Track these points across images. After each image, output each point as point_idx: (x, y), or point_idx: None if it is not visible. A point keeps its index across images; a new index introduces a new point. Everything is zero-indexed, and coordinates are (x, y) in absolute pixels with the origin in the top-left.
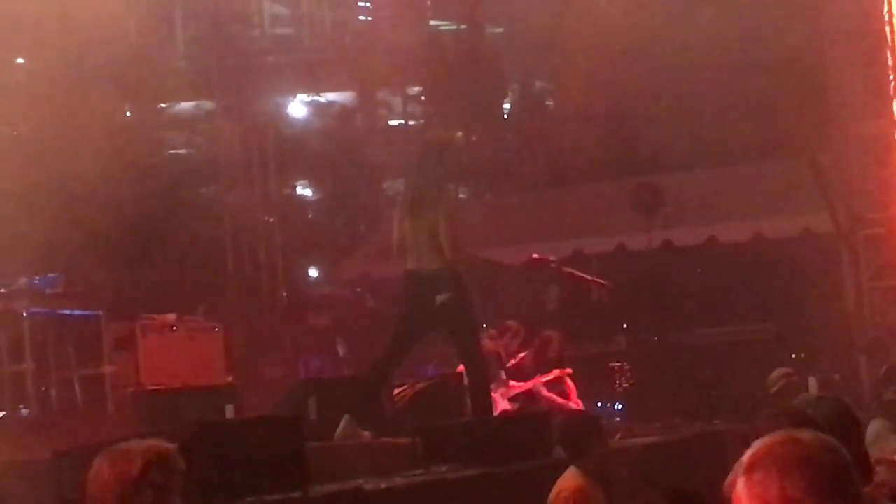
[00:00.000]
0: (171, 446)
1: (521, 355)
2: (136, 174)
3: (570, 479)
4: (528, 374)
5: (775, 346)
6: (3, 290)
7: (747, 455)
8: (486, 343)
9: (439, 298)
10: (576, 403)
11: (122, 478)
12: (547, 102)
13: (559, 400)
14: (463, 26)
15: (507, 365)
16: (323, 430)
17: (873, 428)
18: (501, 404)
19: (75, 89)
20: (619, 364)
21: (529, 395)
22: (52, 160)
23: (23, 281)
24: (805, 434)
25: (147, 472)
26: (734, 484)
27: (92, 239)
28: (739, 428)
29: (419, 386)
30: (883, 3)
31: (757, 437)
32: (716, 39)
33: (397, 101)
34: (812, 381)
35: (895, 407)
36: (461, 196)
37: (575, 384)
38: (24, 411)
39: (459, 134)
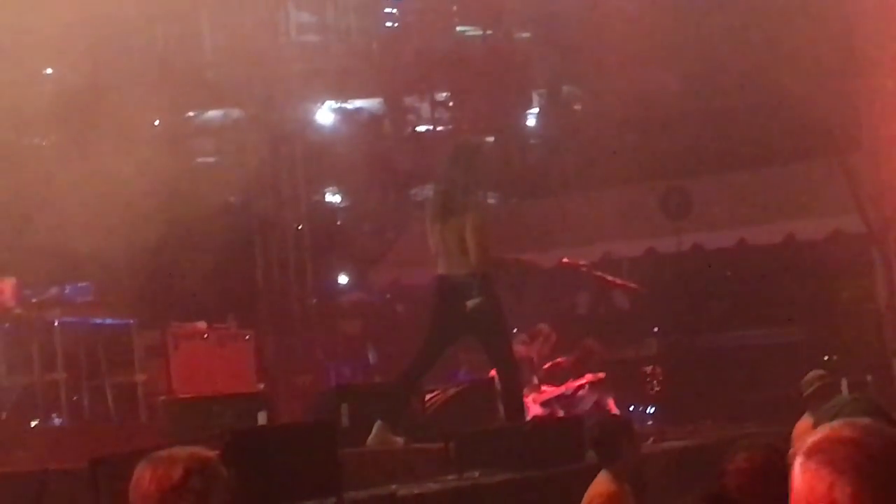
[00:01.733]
0: (214, 454)
1: (558, 360)
2: (165, 183)
3: (601, 484)
4: (562, 380)
5: (807, 348)
6: (34, 300)
7: (812, 438)
8: (518, 348)
9: (469, 304)
10: (612, 408)
11: (162, 484)
12: (575, 107)
13: (589, 407)
14: (489, 32)
15: (541, 369)
16: (355, 436)
17: None
18: (533, 409)
19: (103, 99)
20: (650, 368)
21: (562, 399)
22: (81, 170)
23: (54, 290)
24: (873, 437)
25: (188, 479)
26: (794, 458)
27: (122, 248)
28: (771, 431)
29: (451, 391)
30: None
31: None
32: (746, 41)
33: (425, 107)
34: (843, 383)
35: None
36: (490, 201)
37: (606, 388)
38: (57, 420)
39: (489, 139)
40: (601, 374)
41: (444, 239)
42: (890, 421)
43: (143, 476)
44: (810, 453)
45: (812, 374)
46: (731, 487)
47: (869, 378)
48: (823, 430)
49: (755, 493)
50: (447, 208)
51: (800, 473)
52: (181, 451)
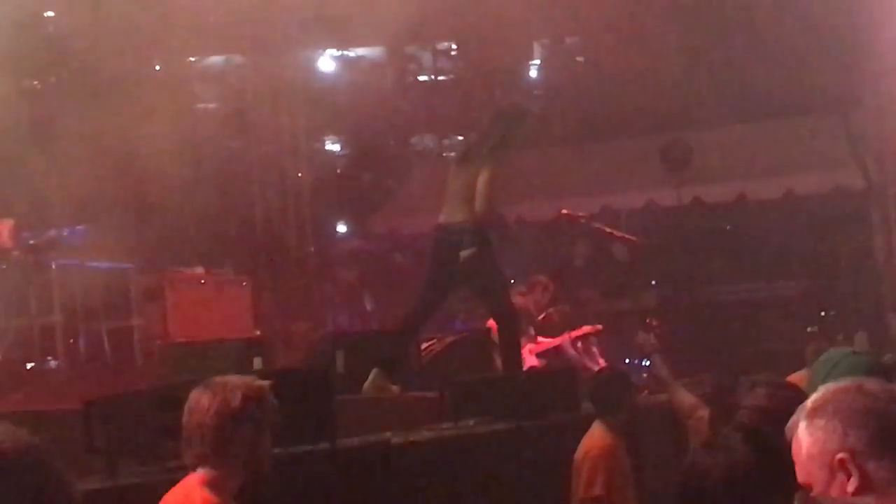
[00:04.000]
0: (266, 383)
1: (549, 312)
2: (165, 128)
3: (596, 436)
4: (559, 331)
5: (805, 303)
6: (31, 242)
7: (811, 399)
8: (516, 299)
9: (462, 253)
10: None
11: (222, 409)
12: (577, 58)
13: (584, 360)
14: None
15: (538, 319)
16: (351, 383)
17: None
18: (530, 360)
19: (103, 43)
20: (647, 320)
21: (558, 350)
22: (80, 114)
23: (52, 233)
24: (871, 384)
25: (247, 405)
26: (796, 426)
27: (120, 192)
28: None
29: (447, 340)
30: None
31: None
32: None
33: (427, 57)
34: (861, 336)
35: None
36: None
37: (603, 340)
38: (53, 363)
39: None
40: (598, 326)
41: (454, 186)
42: (888, 378)
43: (201, 401)
44: (815, 411)
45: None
46: (749, 425)
47: (861, 334)
48: (818, 392)
49: (775, 432)
50: (468, 156)
51: (807, 435)
52: (238, 379)
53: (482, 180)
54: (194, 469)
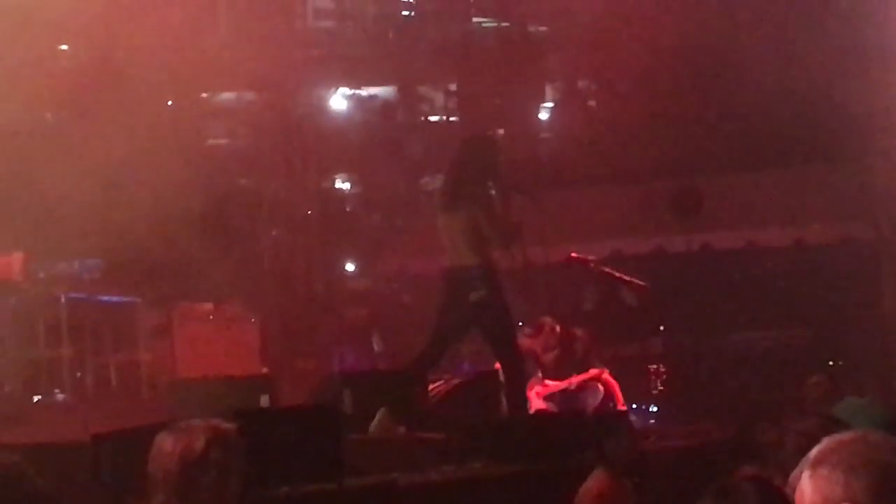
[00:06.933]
0: (233, 426)
1: (555, 352)
2: (176, 163)
3: (596, 480)
4: (557, 373)
5: (812, 352)
6: (41, 275)
7: (815, 450)
8: (523, 341)
9: (473, 296)
10: (620, 403)
11: (185, 455)
12: (589, 102)
13: (590, 403)
14: (505, 24)
15: (545, 363)
16: (358, 423)
17: None
18: (536, 403)
19: (118, 76)
20: (654, 366)
21: (565, 394)
22: (93, 146)
23: (61, 265)
24: (873, 435)
25: (210, 450)
26: (798, 478)
27: (131, 225)
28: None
29: (454, 382)
30: None
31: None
32: (762, 41)
33: (438, 97)
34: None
35: None
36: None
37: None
38: (60, 396)
39: (500, 132)
40: (605, 370)
41: (449, 230)
42: None
43: (164, 446)
44: (819, 460)
45: (813, 379)
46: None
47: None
48: (822, 443)
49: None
50: (454, 199)
51: (810, 485)
52: (201, 423)
53: (485, 218)
54: None
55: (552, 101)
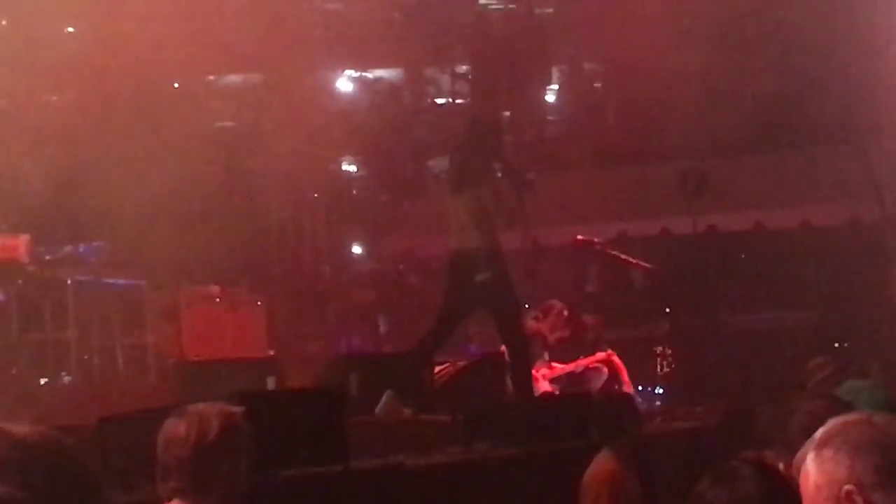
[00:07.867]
0: (241, 409)
1: (562, 336)
2: (183, 145)
3: (602, 463)
4: (564, 356)
5: (819, 334)
6: (48, 258)
7: (820, 432)
8: (530, 324)
9: (479, 277)
10: (627, 384)
11: (200, 441)
12: (595, 84)
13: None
14: (512, 6)
15: (552, 345)
16: (364, 405)
17: None
18: (543, 385)
19: (123, 59)
20: (660, 348)
21: (571, 376)
22: (98, 129)
23: (68, 249)
24: (879, 416)
25: (224, 435)
26: (803, 459)
27: (137, 208)
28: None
29: (461, 364)
30: None
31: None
32: (768, 23)
33: (445, 79)
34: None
35: None
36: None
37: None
38: (66, 378)
39: (506, 114)
40: (610, 352)
41: (455, 212)
42: None
43: (177, 432)
44: (823, 443)
45: (815, 360)
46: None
47: (876, 366)
48: (827, 425)
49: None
50: (460, 181)
51: (815, 467)
52: (211, 408)
53: (492, 200)
54: (168, 501)
55: (559, 83)
